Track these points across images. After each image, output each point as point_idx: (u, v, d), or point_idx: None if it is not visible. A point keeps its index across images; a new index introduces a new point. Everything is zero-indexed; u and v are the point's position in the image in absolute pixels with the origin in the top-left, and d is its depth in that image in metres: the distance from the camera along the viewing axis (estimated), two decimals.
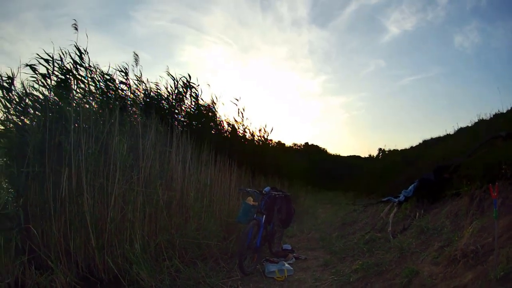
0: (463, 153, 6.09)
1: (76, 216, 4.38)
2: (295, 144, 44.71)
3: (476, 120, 9.73)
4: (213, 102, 7.06)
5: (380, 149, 18.78)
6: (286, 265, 4.86)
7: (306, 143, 47.19)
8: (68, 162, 4.42)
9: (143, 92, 5.96)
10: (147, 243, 4.73)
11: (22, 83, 4.54)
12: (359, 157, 29.80)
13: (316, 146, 46.29)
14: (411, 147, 13.64)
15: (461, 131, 10.47)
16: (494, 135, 5.87)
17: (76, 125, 4.60)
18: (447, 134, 11.55)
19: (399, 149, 14.97)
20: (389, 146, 19.89)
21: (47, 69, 4.60)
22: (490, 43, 43.14)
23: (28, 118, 4.60)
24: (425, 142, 12.96)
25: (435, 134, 12.90)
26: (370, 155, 22.38)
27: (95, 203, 4.53)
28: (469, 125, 10.12)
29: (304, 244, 6.39)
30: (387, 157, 14.21)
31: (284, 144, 17.04)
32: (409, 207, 5.72)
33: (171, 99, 6.31)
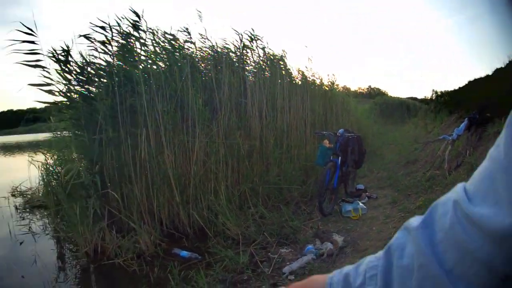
0: (506, 92, 6.10)
1: (158, 175, 4.47)
2: (359, 88, 45.35)
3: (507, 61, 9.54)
4: (283, 51, 7.08)
5: (433, 90, 18.62)
6: (361, 204, 5.03)
7: (369, 86, 47.68)
8: (144, 124, 4.45)
9: (209, 47, 5.83)
10: (231, 193, 4.91)
11: (80, 53, 4.47)
12: (416, 98, 29.72)
13: (378, 89, 46.67)
14: (459, 88, 13.56)
15: (497, 71, 10.22)
16: None
17: (146, 87, 4.58)
18: (486, 75, 11.28)
19: (448, 90, 15.00)
20: (440, 87, 19.99)
21: (105, 36, 4.49)
22: None
23: (93, 86, 4.59)
24: (470, 82, 12.81)
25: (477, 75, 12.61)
26: (425, 97, 22.25)
27: (176, 160, 4.66)
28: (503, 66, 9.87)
29: (375, 183, 6.65)
30: (439, 98, 14.35)
31: (349, 88, 17.30)
32: (461, 144, 5.94)
33: (238, 52, 6.12)
